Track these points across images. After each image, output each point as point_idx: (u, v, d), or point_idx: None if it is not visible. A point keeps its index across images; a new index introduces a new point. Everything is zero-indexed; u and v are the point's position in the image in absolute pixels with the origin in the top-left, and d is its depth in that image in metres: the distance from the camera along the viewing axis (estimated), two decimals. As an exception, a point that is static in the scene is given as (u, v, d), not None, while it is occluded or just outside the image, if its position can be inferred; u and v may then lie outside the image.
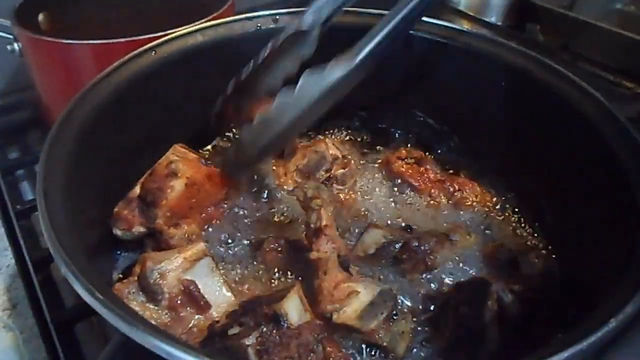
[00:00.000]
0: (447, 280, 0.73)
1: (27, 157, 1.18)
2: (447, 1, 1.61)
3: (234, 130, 0.94)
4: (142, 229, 0.75)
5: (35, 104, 1.23)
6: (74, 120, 0.70)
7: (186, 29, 0.86)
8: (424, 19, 0.91)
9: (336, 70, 0.68)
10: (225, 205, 0.79)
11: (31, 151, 1.21)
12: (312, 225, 0.71)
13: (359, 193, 0.87)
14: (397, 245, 0.74)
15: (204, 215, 0.76)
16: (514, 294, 0.63)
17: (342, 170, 0.87)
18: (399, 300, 0.69)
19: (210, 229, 0.77)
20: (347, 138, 1.00)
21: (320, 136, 0.98)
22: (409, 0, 0.69)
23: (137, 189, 0.76)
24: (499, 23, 1.55)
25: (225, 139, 0.96)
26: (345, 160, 0.88)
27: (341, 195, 0.85)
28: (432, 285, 0.72)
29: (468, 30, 0.93)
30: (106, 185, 0.75)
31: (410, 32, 0.91)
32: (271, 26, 0.91)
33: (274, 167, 0.87)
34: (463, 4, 1.61)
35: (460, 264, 0.75)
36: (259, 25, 0.91)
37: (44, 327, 0.84)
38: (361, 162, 0.93)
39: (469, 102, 0.92)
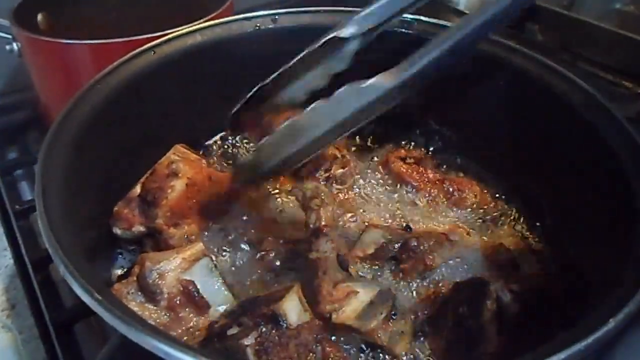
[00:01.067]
0: (446, 280, 0.72)
1: (26, 157, 1.19)
2: (446, 1, 1.61)
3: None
4: (141, 229, 0.75)
5: (34, 104, 1.23)
6: (73, 120, 0.70)
7: (185, 29, 0.86)
8: (422, 18, 0.91)
9: (380, 85, 0.62)
10: (225, 206, 0.79)
11: (30, 151, 1.21)
12: (311, 226, 0.71)
13: (358, 193, 0.86)
14: (397, 245, 0.74)
15: (204, 215, 0.76)
16: (513, 293, 0.63)
17: (341, 170, 0.86)
18: (398, 300, 0.69)
19: (210, 230, 0.77)
20: (347, 138, 0.99)
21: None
22: (487, 9, 0.62)
23: (137, 189, 0.76)
24: (498, 23, 1.55)
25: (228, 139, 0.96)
26: (345, 160, 0.88)
27: (340, 195, 0.85)
28: (432, 285, 0.72)
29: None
30: (105, 185, 0.75)
31: (408, 31, 0.92)
32: (270, 26, 0.91)
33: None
34: (462, 4, 1.61)
35: (460, 264, 0.75)
36: (257, 25, 0.91)
37: (43, 328, 0.83)
38: (360, 161, 0.92)
39: (469, 102, 0.92)
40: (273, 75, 0.74)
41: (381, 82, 0.62)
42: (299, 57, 0.73)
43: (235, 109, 0.75)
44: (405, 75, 0.62)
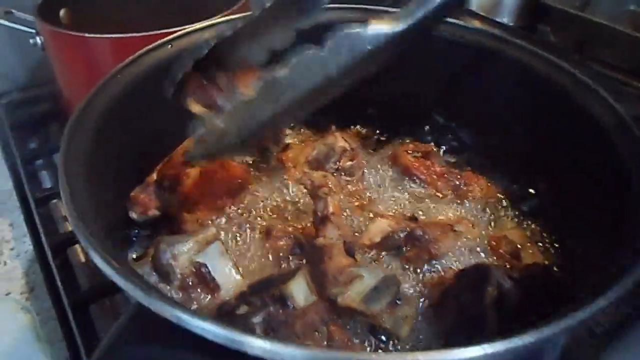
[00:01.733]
0: (450, 268, 0.74)
1: (46, 148, 1.22)
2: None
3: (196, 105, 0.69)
4: (157, 213, 0.78)
5: (56, 97, 1.27)
6: (93, 110, 0.73)
7: (201, 24, 0.89)
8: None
9: (380, 32, 0.55)
10: (238, 195, 0.82)
11: (51, 142, 1.25)
12: (319, 213, 0.73)
13: (366, 184, 0.88)
14: (402, 234, 0.76)
15: (216, 202, 0.79)
16: (513, 280, 0.64)
17: (350, 162, 0.89)
18: (403, 287, 0.71)
19: (222, 216, 0.79)
20: (357, 133, 1.02)
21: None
22: None
23: (154, 175, 0.79)
24: (511, 24, 1.56)
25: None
26: (354, 153, 0.90)
27: (349, 186, 0.87)
28: (436, 272, 0.74)
29: (477, 28, 0.94)
30: (123, 171, 0.78)
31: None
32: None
33: (284, 159, 0.90)
34: (475, 4, 1.62)
35: (464, 254, 0.76)
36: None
37: (60, 309, 0.87)
38: (369, 155, 0.94)
39: (478, 99, 0.93)
40: (230, 32, 0.63)
41: (383, 27, 0.55)
42: (262, 11, 0.62)
43: (177, 74, 0.64)
44: (411, 21, 0.55)
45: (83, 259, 0.96)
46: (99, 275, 0.90)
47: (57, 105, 1.29)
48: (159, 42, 0.84)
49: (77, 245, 0.97)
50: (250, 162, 0.90)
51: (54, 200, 1.07)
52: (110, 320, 0.85)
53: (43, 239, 0.97)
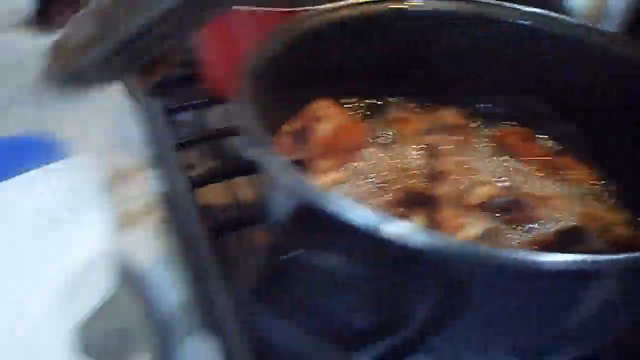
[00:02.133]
0: (545, 232, 0.82)
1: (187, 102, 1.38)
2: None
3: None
4: (292, 158, 0.90)
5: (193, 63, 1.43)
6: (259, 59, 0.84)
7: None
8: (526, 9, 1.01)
9: None
10: (359, 152, 0.94)
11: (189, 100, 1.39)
12: (432, 170, 0.84)
13: (471, 157, 0.97)
14: (503, 200, 0.85)
15: (342, 156, 0.91)
16: (606, 242, 0.72)
17: (458, 137, 0.98)
18: (502, 241, 0.80)
19: (345, 167, 0.91)
20: (464, 114, 1.10)
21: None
22: None
23: (290, 126, 0.92)
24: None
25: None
26: (462, 129, 1.00)
27: (456, 158, 0.96)
28: (533, 233, 0.82)
29: (569, 21, 1.00)
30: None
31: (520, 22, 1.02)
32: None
33: (398, 129, 1.01)
34: (579, 12, 1.65)
35: (559, 223, 0.84)
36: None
37: (194, 239, 0.98)
38: (476, 132, 1.03)
39: (580, 91, 1.00)
40: None
41: None
42: None
43: None
44: None
45: (215, 200, 1.10)
46: (232, 211, 1.06)
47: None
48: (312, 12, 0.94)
49: (210, 186, 1.11)
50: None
51: (189, 148, 1.23)
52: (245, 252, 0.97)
53: (177, 179, 1.12)
